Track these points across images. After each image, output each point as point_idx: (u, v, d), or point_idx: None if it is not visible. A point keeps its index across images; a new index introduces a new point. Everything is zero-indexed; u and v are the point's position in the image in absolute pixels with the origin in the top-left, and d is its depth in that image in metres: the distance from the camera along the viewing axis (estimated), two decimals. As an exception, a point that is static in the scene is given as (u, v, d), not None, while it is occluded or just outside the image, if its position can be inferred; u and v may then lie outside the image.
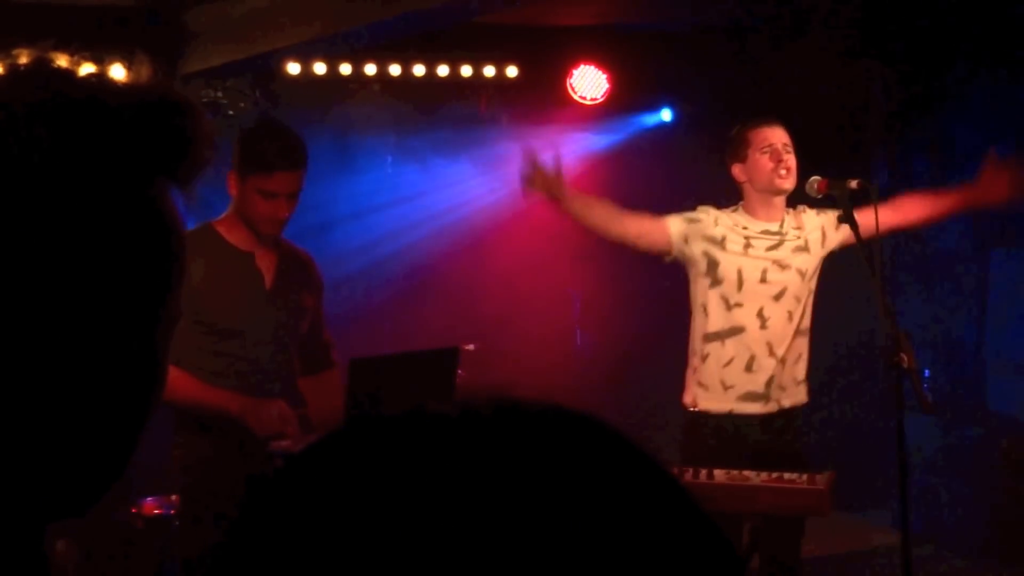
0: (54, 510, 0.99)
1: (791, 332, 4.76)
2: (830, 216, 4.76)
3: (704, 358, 4.80)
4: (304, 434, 4.24)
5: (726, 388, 4.76)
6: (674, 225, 4.77)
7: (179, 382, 4.06)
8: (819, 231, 4.77)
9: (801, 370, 4.82)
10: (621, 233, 4.82)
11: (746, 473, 4.44)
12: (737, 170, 4.80)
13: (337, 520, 0.61)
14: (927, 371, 4.33)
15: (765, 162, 4.70)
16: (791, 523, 4.60)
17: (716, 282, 4.75)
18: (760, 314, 4.72)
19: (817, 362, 5.51)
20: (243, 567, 0.63)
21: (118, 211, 0.98)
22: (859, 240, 4.43)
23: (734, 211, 4.81)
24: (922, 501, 4.88)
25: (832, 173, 4.66)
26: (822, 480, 4.38)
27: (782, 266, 4.74)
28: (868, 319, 4.87)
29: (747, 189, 4.80)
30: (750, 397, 4.74)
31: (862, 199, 4.50)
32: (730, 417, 4.74)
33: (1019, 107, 6.11)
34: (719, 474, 4.44)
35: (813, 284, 4.81)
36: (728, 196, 4.87)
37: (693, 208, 4.84)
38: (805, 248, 4.77)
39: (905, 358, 4.20)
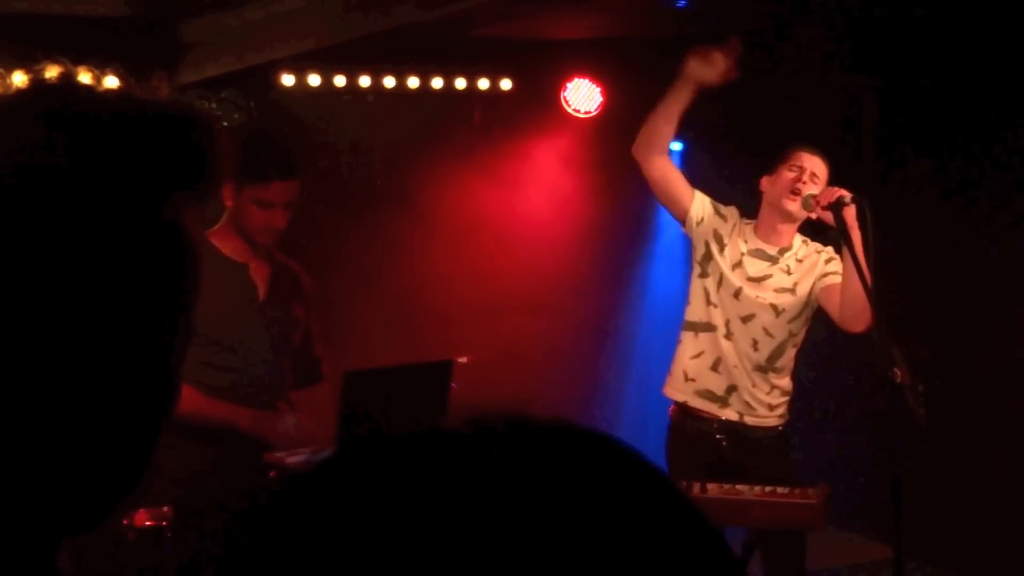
0: (68, 525, 0.99)
1: (754, 362, 4.82)
2: (832, 270, 4.77)
3: (677, 344, 4.93)
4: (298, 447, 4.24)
5: (687, 379, 4.87)
6: (699, 203, 4.87)
7: (185, 396, 4.05)
8: (814, 282, 4.79)
9: (776, 399, 4.88)
10: (660, 166, 4.88)
11: (739, 487, 4.45)
12: (764, 182, 4.88)
13: (355, 538, 0.61)
14: (920, 386, 4.31)
15: (786, 176, 4.76)
16: (793, 535, 4.62)
17: (704, 274, 4.87)
18: (727, 325, 4.82)
19: (811, 372, 5.53)
20: None
21: (136, 226, 0.98)
22: (853, 255, 4.44)
23: (747, 224, 4.89)
24: (915, 515, 4.87)
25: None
26: (815, 494, 4.38)
27: (756, 296, 4.80)
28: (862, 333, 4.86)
29: (763, 204, 4.88)
30: (707, 395, 4.83)
31: (858, 218, 4.51)
32: (686, 409, 4.82)
33: (1013, 117, 6.12)
34: (712, 488, 4.45)
35: (797, 329, 4.85)
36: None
37: (726, 204, 4.93)
38: (791, 291, 4.81)
39: (899, 372, 4.21)
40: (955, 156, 6.39)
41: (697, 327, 4.86)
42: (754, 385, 4.82)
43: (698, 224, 4.85)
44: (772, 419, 4.86)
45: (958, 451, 6.38)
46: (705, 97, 7.03)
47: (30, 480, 0.95)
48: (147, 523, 5.05)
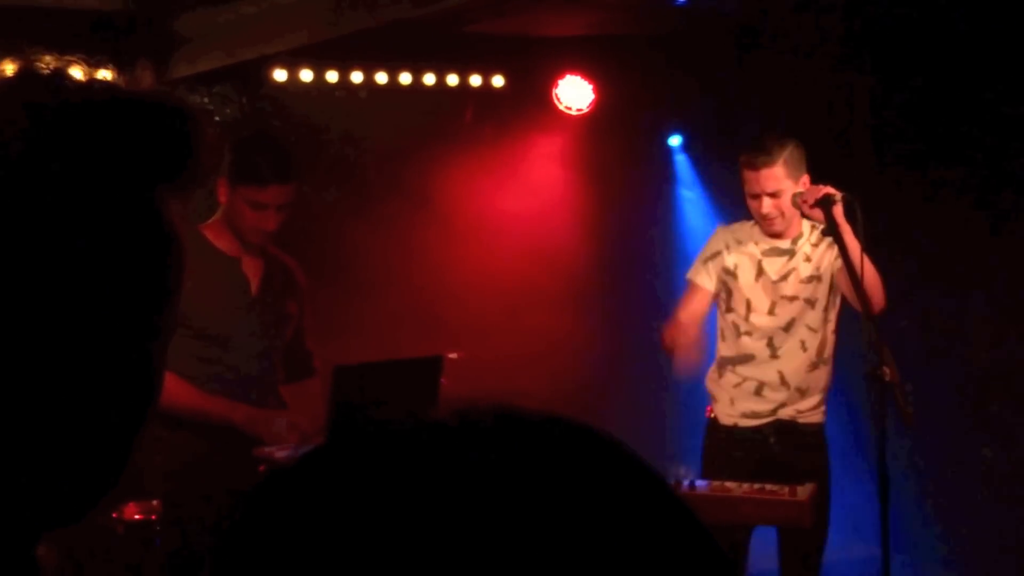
0: (48, 520, 0.98)
1: (806, 363, 4.80)
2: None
3: (720, 375, 4.91)
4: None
5: (733, 403, 4.86)
6: (704, 281, 4.87)
7: (178, 390, 4.07)
8: (832, 262, 4.77)
9: (820, 398, 4.88)
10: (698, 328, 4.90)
11: (728, 484, 4.46)
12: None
13: (338, 530, 0.61)
14: (909, 384, 4.32)
15: (754, 206, 4.74)
16: (810, 532, 4.61)
17: (729, 309, 4.85)
18: (770, 343, 4.79)
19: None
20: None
21: (117, 217, 0.98)
22: (843, 252, 4.44)
23: (754, 225, 4.85)
24: (903, 513, 4.90)
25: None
26: (803, 492, 4.40)
27: (790, 299, 4.77)
28: (851, 330, 4.87)
29: None
30: (753, 415, 4.84)
31: (847, 214, 4.50)
32: (737, 430, 4.80)
33: (1003, 114, 6.13)
34: (701, 485, 4.46)
35: (832, 314, 4.83)
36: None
37: (708, 230, 4.97)
38: (817, 277, 4.79)
39: (887, 371, 4.21)
40: (946, 154, 6.39)
41: (734, 361, 4.85)
42: (802, 395, 4.81)
43: (713, 281, 4.86)
44: (817, 415, 4.87)
45: (944, 448, 6.39)
46: (702, 92, 7.06)
47: (7, 472, 0.95)
48: (136, 517, 5.05)
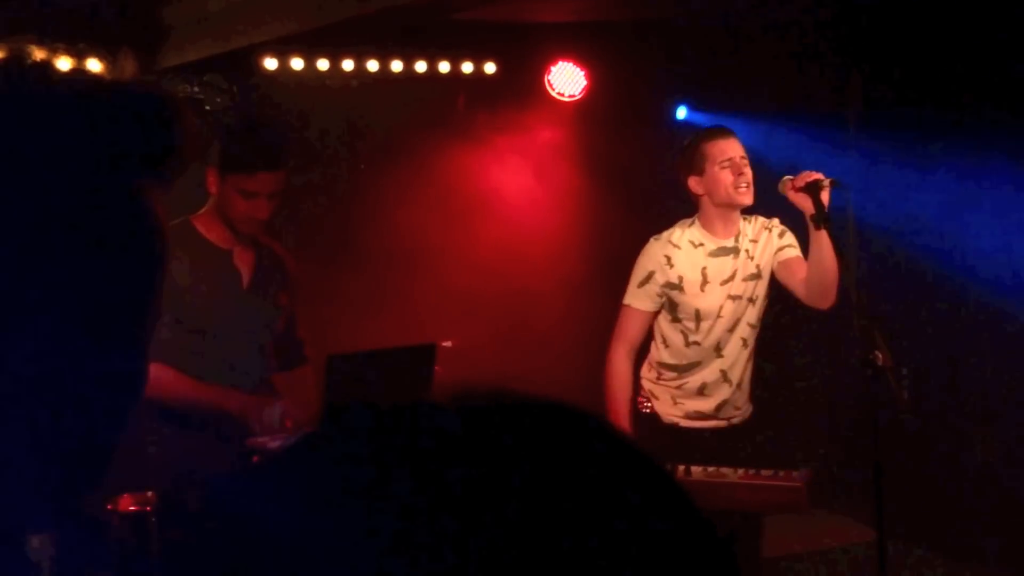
0: (33, 514, 0.98)
1: (745, 357, 4.85)
2: (787, 243, 4.75)
3: (659, 377, 4.90)
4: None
5: (675, 403, 4.88)
6: (643, 304, 4.84)
7: (171, 379, 4.06)
8: (772, 256, 4.77)
9: (749, 388, 4.92)
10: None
11: (723, 470, 4.46)
12: (693, 182, 4.79)
13: (329, 515, 0.60)
14: (903, 369, 4.33)
15: (725, 176, 4.70)
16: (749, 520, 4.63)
17: (676, 320, 4.84)
18: (717, 348, 4.81)
19: (794, 360, 5.51)
20: (237, 558, 0.62)
21: (101, 207, 0.97)
22: (831, 238, 4.43)
23: (691, 225, 4.82)
24: (899, 498, 4.90)
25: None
26: (800, 476, 4.40)
27: (734, 298, 4.77)
28: (844, 316, 4.86)
29: (704, 202, 4.80)
30: (699, 416, 4.86)
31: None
32: (676, 429, 4.80)
33: (993, 112, 6.13)
34: (696, 471, 4.46)
35: (765, 307, 4.86)
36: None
37: (644, 239, 4.91)
38: (758, 275, 4.80)
39: (880, 356, 4.21)
40: (937, 141, 6.39)
41: (679, 368, 4.85)
42: (739, 388, 4.84)
43: (653, 300, 4.82)
44: (748, 408, 4.90)
45: (939, 433, 6.40)
46: (694, 78, 7.06)
47: None
48: (131, 508, 5.04)
